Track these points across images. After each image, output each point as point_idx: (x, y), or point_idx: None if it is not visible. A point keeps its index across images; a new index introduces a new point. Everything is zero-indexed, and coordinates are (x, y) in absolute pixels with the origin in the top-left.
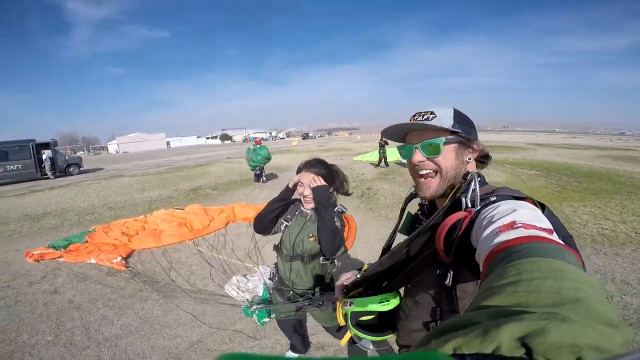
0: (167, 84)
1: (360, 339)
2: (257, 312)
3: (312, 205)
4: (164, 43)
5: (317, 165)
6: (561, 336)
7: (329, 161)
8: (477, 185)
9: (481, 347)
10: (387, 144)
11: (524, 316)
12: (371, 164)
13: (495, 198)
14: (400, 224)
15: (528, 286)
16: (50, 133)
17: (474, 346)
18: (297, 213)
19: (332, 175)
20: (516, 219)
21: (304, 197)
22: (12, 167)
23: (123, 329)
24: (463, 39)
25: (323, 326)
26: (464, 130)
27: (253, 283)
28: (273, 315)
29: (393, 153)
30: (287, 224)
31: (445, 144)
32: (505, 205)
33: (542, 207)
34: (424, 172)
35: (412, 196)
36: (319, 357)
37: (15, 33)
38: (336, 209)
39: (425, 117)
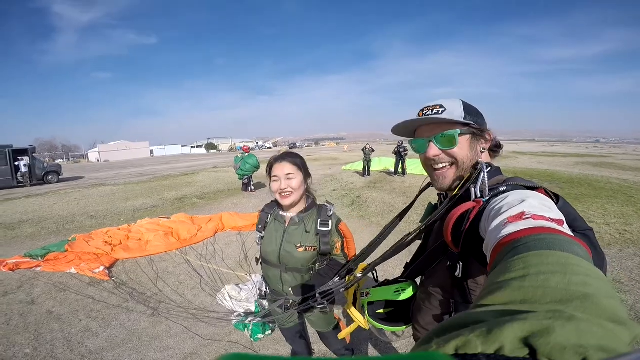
0: (153, 92)
1: (378, 330)
2: (250, 327)
3: (289, 200)
4: (152, 50)
5: (290, 154)
6: (566, 336)
7: (319, 171)
8: (486, 175)
9: (484, 347)
10: (374, 150)
11: (529, 315)
12: (358, 173)
13: (504, 188)
14: (422, 215)
15: (535, 281)
16: (28, 139)
17: (476, 346)
18: (268, 220)
19: (306, 165)
20: (525, 209)
21: (280, 192)
22: None
23: (109, 341)
24: (446, 49)
25: (318, 332)
26: (475, 121)
27: (246, 292)
28: (268, 332)
29: (378, 163)
30: (262, 234)
31: (459, 135)
32: (514, 195)
33: (557, 198)
34: (440, 165)
35: (427, 186)
36: (317, 358)
37: None
38: (330, 213)
39: (434, 110)
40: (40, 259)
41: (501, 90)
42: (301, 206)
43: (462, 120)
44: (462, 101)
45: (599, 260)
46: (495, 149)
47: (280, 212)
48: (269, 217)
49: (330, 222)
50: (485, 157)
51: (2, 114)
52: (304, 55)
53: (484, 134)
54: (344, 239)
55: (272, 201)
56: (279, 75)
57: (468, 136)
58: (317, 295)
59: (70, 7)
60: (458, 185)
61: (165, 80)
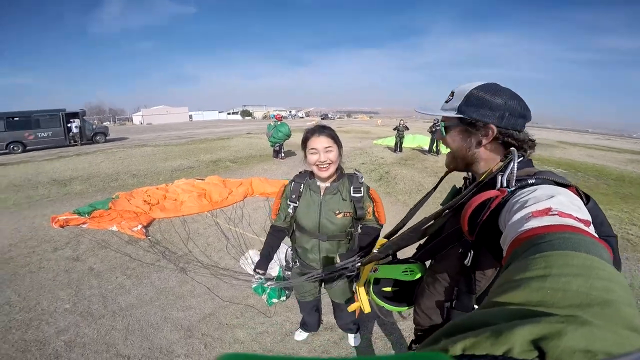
0: (192, 60)
1: (379, 307)
2: (268, 291)
3: (328, 173)
4: (191, 19)
5: (325, 128)
6: (576, 340)
7: (348, 143)
8: (515, 165)
9: (492, 349)
10: (408, 129)
11: (541, 318)
12: (389, 148)
13: (533, 180)
14: (444, 198)
15: (556, 283)
16: (79, 104)
17: (485, 347)
18: (302, 189)
19: (339, 138)
20: (553, 205)
21: (319, 164)
22: (42, 134)
23: (139, 298)
24: (495, 29)
25: (333, 303)
26: (472, 114)
27: None
28: (283, 298)
29: (412, 140)
30: (296, 204)
31: (447, 127)
32: (543, 189)
33: (587, 198)
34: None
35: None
36: (325, 357)
37: (49, 9)
38: (361, 180)
39: (447, 98)
40: (87, 215)
41: (552, 77)
42: (333, 176)
43: (444, 114)
44: (472, 90)
45: (616, 267)
46: (522, 145)
47: (316, 183)
48: (302, 187)
49: (362, 189)
50: (484, 152)
51: (57, 80)
52: (342, 27)
53: (480, 129)
54: (374, 203)
55: (301, 172)
56: (316, 46)
57: (458, 128)
58: (355, 261)
59: None
60: (485, 173)
61: (204, 49)
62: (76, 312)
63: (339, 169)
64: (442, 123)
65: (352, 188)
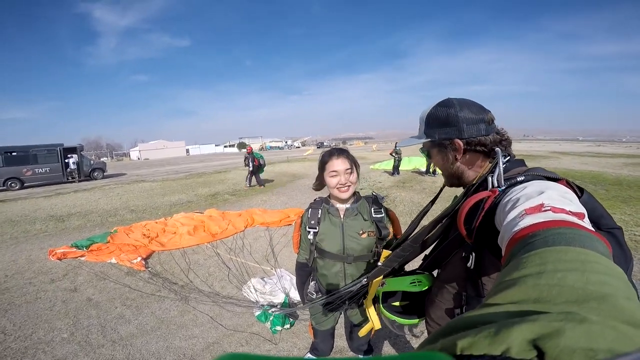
0: (188, 93)
1: (390, 321)
2: (272, 319)
3: (349, 194)
4: (185, 52)
5: (343, 150)
6: (576, 339)
7: None
8: (501, 164)
9: (490, 349)
10: (401, 152)
11: (539, 317)
12: (387, 172)
13: (522, 178)
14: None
15: (551, 279)
16: (77, 139)
17: (483, 347)
18: (320, 215)
19: (356, 160)
20: (544, 201)
21: (339, 186)
22: (40, 170)
23: (139, 328)
24: (481, 45)
25: (352, 326)
26: (435, 134)
27: (270, 286)
28: (287, 326)
29: (408, 162)
30: (316, 229)
31: (427, 150)
32: (533, 186)
33: (581, 191)
34: None
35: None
36: (335, 358)
37: (45, 43)
38: (381, 200)
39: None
40: (85, 249)
41: (541, 88)
42: (351, 198)
43: (422, 140)
44: (427, 114)
45: (625, 260)
46: (497, 146)
47: (334, 206)
48: (319, 213)
49: (382, 209)
50: (463, 165)
51: (55, 114)
52: (333, 55)
53: (448, 146)
54: (393, 223)
55: (315, 199)
56: (308, 75)
57: (435, 149)
58: (362, 280)
59: (108, 11)
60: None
61: (199, 81)
62: (74, 341)
63: (355, 192)
64: (424, 149)
65: (372, 209)
